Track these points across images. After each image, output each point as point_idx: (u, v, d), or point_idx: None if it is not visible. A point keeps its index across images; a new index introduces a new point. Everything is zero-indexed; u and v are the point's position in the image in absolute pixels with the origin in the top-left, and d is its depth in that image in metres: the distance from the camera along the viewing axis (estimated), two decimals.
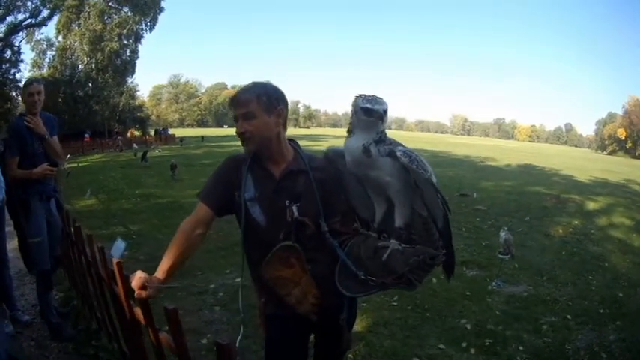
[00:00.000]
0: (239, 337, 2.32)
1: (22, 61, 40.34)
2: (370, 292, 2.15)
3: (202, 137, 53.81)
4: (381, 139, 2.05)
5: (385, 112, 2.02)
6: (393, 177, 2.06)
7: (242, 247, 2.42)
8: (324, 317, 2.33)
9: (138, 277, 2.15)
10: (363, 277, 2.09)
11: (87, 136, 42.07)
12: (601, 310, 5.63)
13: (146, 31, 50.33)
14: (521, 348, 4.55)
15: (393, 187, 2.09)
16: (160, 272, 2.23)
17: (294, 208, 2.27)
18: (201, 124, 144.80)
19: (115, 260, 2.61)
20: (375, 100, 2.02)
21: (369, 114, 2.02)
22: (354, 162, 2.12)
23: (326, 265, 2.29)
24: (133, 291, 2.19)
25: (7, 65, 38.83)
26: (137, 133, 52.53)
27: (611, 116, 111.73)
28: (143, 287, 2.15)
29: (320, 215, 2.29)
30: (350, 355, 4.14)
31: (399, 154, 2.00)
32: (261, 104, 2.24)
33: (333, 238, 2.26)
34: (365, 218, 2.37)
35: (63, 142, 4.61)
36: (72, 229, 4.15)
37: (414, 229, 2.19)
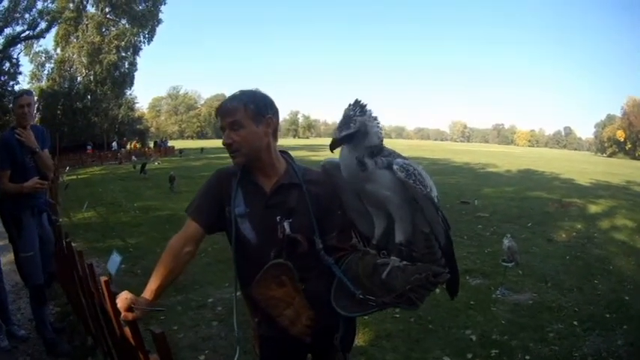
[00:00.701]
0: (236, 357, 2.26)
1: (20, 73, 40.86)
2: (368, 311, 2.05)
3: (202, 149, 53.96)
4: (377, 150, 1.97)
5: (362, 123, 1.94)
6: (392, 191, 1.97)
7: (234, 265, 2.32)
8: (319, 338, 2.24)
9: (124, 299, 2.07)
10: (361, 296, 2.00)
11: (89, 147, 42.33)
12: (607, 315, 5.57)
13: (144, 43, 50.78)
14: (527, 358, 4.49)
15: (393, 202, 2.00)
16: (148, 292, 2.14)
17: (286, 224, 2.17)
18: (201, 135, 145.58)
19: (102, 278, 2.56)
20: (348, 114, 1.96)
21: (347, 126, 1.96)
22: (350, 175, 2.04)
23: (321, 284, 2.20)
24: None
25: (6, 77, 39.21)
26: (139, 145, 52.67)
27: (610, 118, 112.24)
28: (129, 309, 2.06)
29: (314, 231, 2.20)
30: None
31: (395, 167, 1.92)
32: (248, 113, 2.15)
33: (329, 255, 2.17)
34: (364, 234, 2.30)
35: (62, 154, 4.57)
36: (64, 244, 4.11)
37: (415, 245, 2.10)
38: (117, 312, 2.44)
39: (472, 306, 5.77)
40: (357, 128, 1.93)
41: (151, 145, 55.47)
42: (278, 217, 2.18)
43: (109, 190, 18.16)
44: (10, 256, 4.98)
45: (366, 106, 1.97)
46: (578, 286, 6.67)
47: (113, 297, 2.40)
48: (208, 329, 4.93)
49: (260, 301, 2.18)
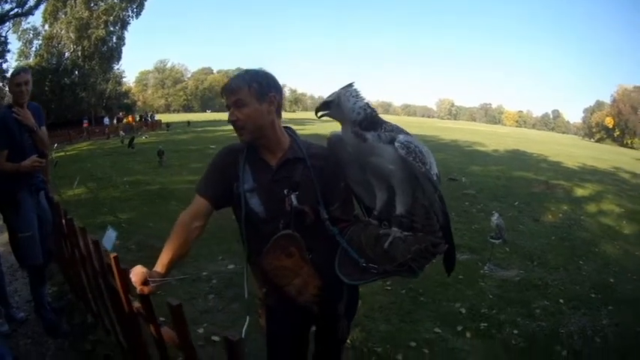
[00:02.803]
0: (244, 328, 2.33)
1: (8, 51, 40.04)
2: (371, 279, 2.11)
3: (189, 122, 53.53)
4: (367, 124, 2.07)
5: (337, 95, 2.12)
6: (395, 165, 2.04)
7: (242, 239, 2.41)
8: (324, 309, 2.32)
9: (139, 273, 2.13)
10: (364, 264, 2.06)
11: (86, 121, 42.08)
12: (593, 295, 5.72)
13: (132, 17, 49.99)
14: (515, 332, 4.61)
15: (395, 176, 2.07)
16: (160, 266, 2.22)
17: (293, 197, 2.24)
18: (187, 109, 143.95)
19: (112, 255, 2.56)
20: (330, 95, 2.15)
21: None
22: (354, 148, 2.12)
23: (327, 254, 2.26)
24: (129, 285, 2.18)
25: None
26: (136, 118, 52.41)
27: (599, 104, 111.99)
28: (145, 282, 2.13)
29: (319, 203, 2.28)
30: (347, 342, 4.13)
31: (397, 144, 1.99)
32: (252, 91, 2.21)
33: (333, 226, 2.24)
34: (367, 205, 2.37)
35: (50, 130, 4.51)
36: (64, 222, 4.09)
37: (415, 216, 2.17)
38: (126, 288, 2.52)
39: (461, 280, 5.89)
40: (332, 98, 2.12)
41: (137, 118, 55.18)
42: (285, 190, 2.25)
43: (98, 166, 18.00)
44: (4, 237, 4.87)
45: (351, 84, 2.11)
46: (564, 266, 6.84)
47: (122, 273, 2.48)
48: (205, 302, 4.97)
49: (268, 271, 2.24)
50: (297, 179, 2.29)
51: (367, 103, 2.09)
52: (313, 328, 2.64)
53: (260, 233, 2.28)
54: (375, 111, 2.11)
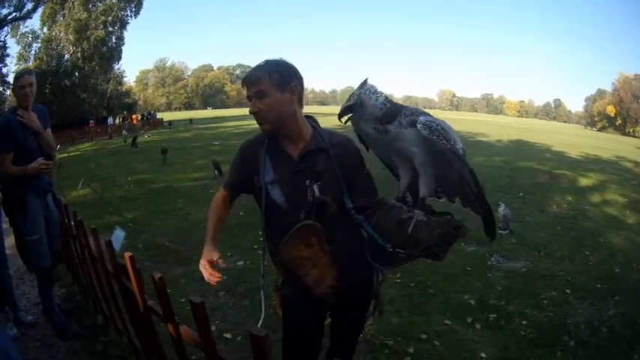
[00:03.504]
0: (260, 322, 2.36)
1: (7, 55, 40.20)
2: (399, 264, 2.15)
3: (191, 120, 53.69)
4: (387, 118, 2.09)
5: (359, 97, 2.16)
6: (418, 147, 2.07)
7: (263, 230, 2.44)
8: (340, 299, 2.32)
9: (207, 268, 2.37)
10: (390, 249, 2.09)
11: (92, 121, 42.26)
12: (599, 286, 5.74)
13: (131, 17, 50.27)
14: (524, 322, 4.63)
15: (418, 158, 2.09)
16: (209, 244, 2.45)
17: (315, 188, 2.26)
18: (189, 106, 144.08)
19: (127, 255, 2.59)
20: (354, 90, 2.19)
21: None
22: (377, 140, 2.18)
23: (346, 245, 2.31)
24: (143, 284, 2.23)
25: None
26: (135, 118, 52.54)
27: (601, 93, 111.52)
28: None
29: (343, 193, 2.30)
30: (360, 335, 4.18)
31: (419, 126, 2.01)
32: (272, 81, 2.21)
33: (358, 214, 2.26)
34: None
35: (52, 132, 4.45)
36: (72, 223, 4.11)
37: (447, 184, 2.28)
38: (141, 288, 2.56)
39: (469, 272, 5.95)
40: (354, 101, 2.14)
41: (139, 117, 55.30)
42: (307, 181, 2.26)
43: (101, 166, 18.06)
44: (11, 240, 4.81)
45: (366, 81, 2.15)
46: (570, 257, 6.86)
47: (138, 273, 2.53)
48: (216, 300, 4.95)
49: (287, 261, 2.27)
50: (320, 169, 2.30)
51: (386, 97, 2.13)
52: (328, 320, 2.67)
53: (281, 224, 2.30)
54: (394, 104, 2.14)
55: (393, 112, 2.10)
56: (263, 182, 2.31)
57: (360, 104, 2.12)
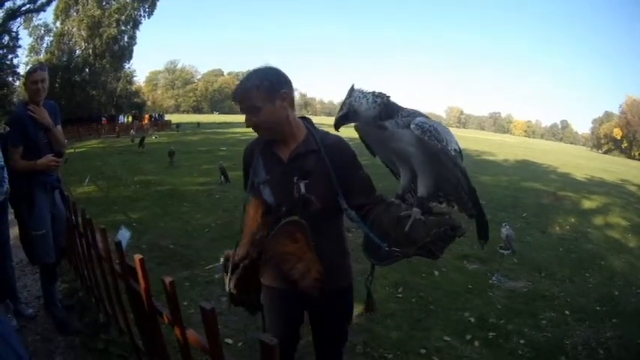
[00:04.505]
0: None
1: (19, 46, 40.03)
2: (395, 260, 2.17)
3: (198, 123, 53.90)
4: (384, 115, 2.14)
5: (350, 104, 2.19)
6: (414, 147, 2.11)
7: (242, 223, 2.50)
8: (320, 301, 2.38)
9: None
10: (387, 248, 2.13)
11: (104, 118, 42.72)
12: (598, 308, 5.74)
13: (144, 17, 50.15)
14: (522, 342, 4.66)
15: (416, 157, 2.14)
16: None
17: (302, 185, 2.30)
18: (197, 110, 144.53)
19: (137, 257, 2.60)
20: (343, 99, 2.22)
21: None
22: (375, 138, 2.25)
23: (329, 242, 2.38)
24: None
25: (4, 51, 38.49)
26: (147, 118, 52.81)
27: (608, 115, 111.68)
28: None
29: (336, 193, 2.31)
30: (359, 347, 4.24)
31: (412, 127, 2.06)
32: (261, 93, 2.23)
33: (356, 213, 2.30)
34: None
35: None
36: (80, 221, 4.11)
37: (444, 192, 2.31)
38: (148, 290, 2.60)
39: (470, 290, 5.98)
40: (347, 110, 2.19)
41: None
42: (295, 178, 2.31)
43: (108, 164, 18.06)
44: (14, 232, 4.77)
45: (352, 88, 2.19)
46: (570, 278, 6.87)
47: (146, 274, 2.56)
48: (218, 305, 4.78)
49: (273, 256, 2.33)
50: (308, 168, 2.34)
51: (374, 94, 2.16)
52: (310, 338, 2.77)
53: (265, 220, 2.37)
54: (386, 97, 2.18)
55: (387, 106, 2.16)
56: (255, 182, 2.41)
57: (354, 111, 2.17)
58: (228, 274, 2.52)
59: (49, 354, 3.92)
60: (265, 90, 2.23)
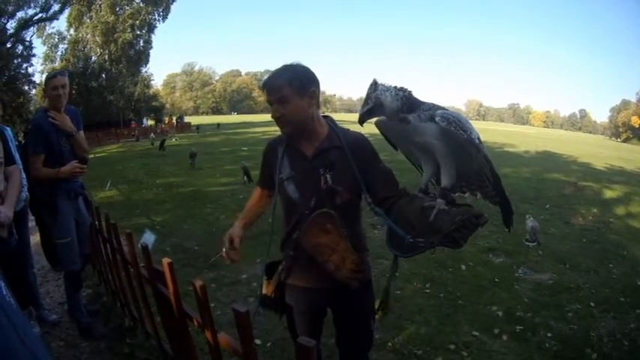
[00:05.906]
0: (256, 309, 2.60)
1: (33, 55, 40.53)
2: (418, 252, 2.15)
3: (218, 124, 54.02)
4: (407, 108, 2.14)
5: (376, 98, 2.16)
6: (438, 139, 2.12)
7: (272, 223, 2.56)
8: (339, 296, 2.48)
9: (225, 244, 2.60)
10: (411, 240, 2.12)
11: (134, 122, 43.27)
12: (622, 299, 5.69)
13: (159, 20, 50.79)
14: (549, 335, 4.64)
15: (439, 150, 2.15)
16: (238, 221, 2.73)
17: (328, 176, 2.35)
18: (216, 111, 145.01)
19: (165, 261, 2.62)
20: (367, 93, 2.19)
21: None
22: (398, 132, 2.24)
23: (353, 237, 2.39)
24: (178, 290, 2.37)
25: (19, 60, 38.86)
26: (169, 120, 53.29)
27: (625, 103, 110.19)
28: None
29: (359, 187, 2.35)
30: (389, 344, 4.26)
31: (437, 119, 2.06)
32: (293, 88, 2.29)
33: (378, 207, 2.32)
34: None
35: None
36: (104, 226, 4.10)
37: (469, 182, 2.33)
38: (177, 294, 2.62)
39: (497, 283, 5.96)
40: (373, 103, 2.18)
41: (166, 121, 55.77)
42: (321, 170, 2.37)
43: (129, 168, 18.24)
44: (35, 238, 4.83)
45: (375, 82, 2.18)
46: (595, 269, 6.81)
47: (175, 279, 2.59)
48: (245, 305, 4.91)
49: (308, 249, 2.36)
50: (333, 160, 2.39)
51: (396, 87, 2.17)
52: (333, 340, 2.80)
53: (294, 216, 2.45)
54: (408, 91, 2.19)
55: (409, 99, 2.16)
56: (279, 178, 2.46)
57: (380, 104, 2.17)
58: (265, 278, 2.64)
59: (75, 359, 3.96)
60: (297, 86, 2.30)
